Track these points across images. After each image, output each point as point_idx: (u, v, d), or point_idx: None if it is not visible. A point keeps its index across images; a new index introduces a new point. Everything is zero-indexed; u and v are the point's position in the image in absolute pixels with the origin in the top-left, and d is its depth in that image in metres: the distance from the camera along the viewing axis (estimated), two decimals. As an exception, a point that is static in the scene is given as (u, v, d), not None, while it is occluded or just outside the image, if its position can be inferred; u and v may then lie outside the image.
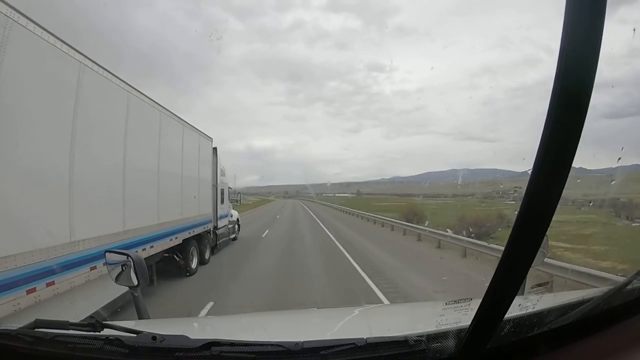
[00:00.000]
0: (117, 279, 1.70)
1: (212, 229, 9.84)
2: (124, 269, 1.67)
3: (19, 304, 3.07)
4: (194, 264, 8.08)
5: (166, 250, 6.74)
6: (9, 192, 3.05)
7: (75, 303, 3.81)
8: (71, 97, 3.88)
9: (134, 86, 5.43)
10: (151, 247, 5.95)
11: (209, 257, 9.31)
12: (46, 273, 3.39)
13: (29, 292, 3.20)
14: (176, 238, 7.08)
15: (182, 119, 7.67)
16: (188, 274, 7.69)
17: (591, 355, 0.84)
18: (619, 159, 1.90)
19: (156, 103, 6.35)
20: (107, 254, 1.79)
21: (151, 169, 6.07)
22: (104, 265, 2.40)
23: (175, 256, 7.31)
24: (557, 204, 0.59)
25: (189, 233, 7.80)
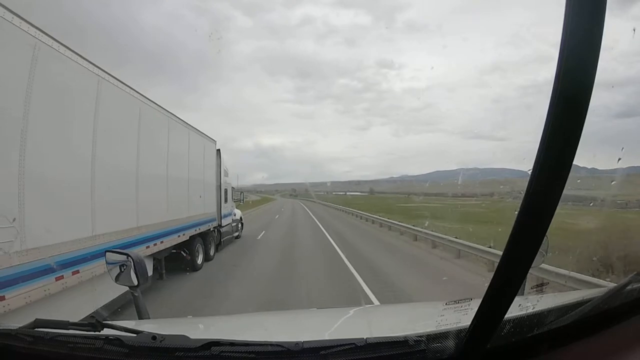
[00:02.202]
0: (117, 279, 1.70)
1: (216, 228, 10.26)
2: (123, 269, 1.67)
3: (48, 289, 3.43)
4: (199, 260, 8.49)
5: (174, 247, 7.14)
6: (51, 189, 3.56)
7: (95, 292, 4.18)
8: (92, 108, 4.33)
9: (141, 87, 5.81)
10: (161, 242, 6.39)
11: (214, 254, 9.71)
12: (72, 262, 3.80)
13: (57, 279, 3.57)
14: (183, 235, 7.50)
15: (188, 124, 8.09)
16: (194, 269, 8.10)
17: (591, 355, 0.84)
18: (619, 159, 1.89)
19: (164, 109, 6.77)
20: (107, 253, 1.79)
21: (161, 170, 6.55)
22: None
23: (182, 252, 7.70)
24: (557, 204, 0.59)
25: (195, 230, 8.23)
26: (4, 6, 3.02)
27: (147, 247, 5.89)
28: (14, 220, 3.08)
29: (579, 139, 0.55)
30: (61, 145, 3.78)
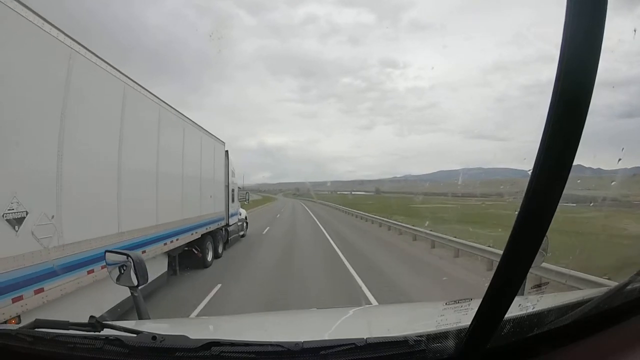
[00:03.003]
0: (117, 279, 1.69)
1: (224, 227, 10.63)
2: (123, 269, 1.67)
3: (81, 282, 3.72)
4: (209, 257, 8.88)
5: (187, 244, 7.46)
6: (84, 190, 3.89)
7: (103, 294, 4.40)
8: (118, 114, 4.69)
9: (147, 87, 5.87)
10: (177, 239, 6.73)
11: (222, 252, 10.11)
12: (102, 257, 3.75)
13: (89, 272, 3.87)
14: (196, 232, 7.87)
15: (200, 126, 8.45)
16: (205, 266, 8.49)
17: (591, 356, 0.84)
18: (619, 160, 1.89)
19: (179, 112, 7.14)
20: (107, 253, 1.78)
21: (177, 172, 6.92)
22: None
23: (194, 250, 8.03)
24: (557, 204, 0.59)
25: (206, 229, 8.61)
26: (44, 19, 3.27)
27: (165, 244, 6.19)
28: (53, 217, 3.35)
29: (579, 140, 0.55)
30: (92, 150, 4.11)
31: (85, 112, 3.91)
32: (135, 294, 1.61)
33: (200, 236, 8.13)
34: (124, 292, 4.46)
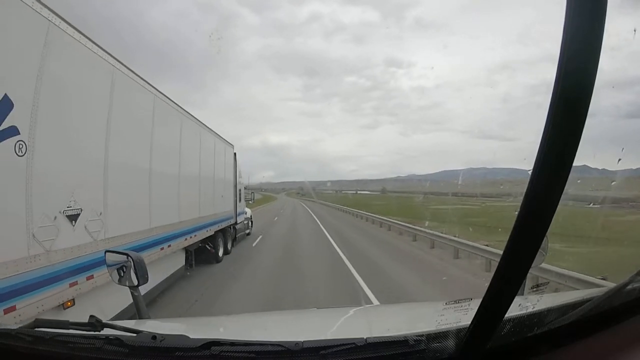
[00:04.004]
0: (117, 279, 1.69)
1: (233, 225, 11.29)
2: (123, 270, 1.67)
3: None
4: (220, 253, 9.54)
5: (201, 240, 8.03)
6: (123, 191, 4.43)
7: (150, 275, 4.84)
8: (150, 124, 5.32)
9: (155, 86, 6.27)
10: (195, 235, 7.39)
11: (231, 249, 10.78)
12: (138, 249, 4.56)
13: None
14: (210, 229, 8.51)
15: (213, 131, 9.07)
16: (217, 261, 9.16)
17: (591, 355, 0.84)
18: (619, 160, 1.88)
19: (196, 119, 7.72)
20: (107, 254, 1.78)
21: (195, 174, 7.59)
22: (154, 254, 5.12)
23: (207, 246, 8.60)
24: (557, 204, 0.59)
25: (218, 226, 9.26)
26: (91, 40, 3.72)
27: (185, 239, 6.85)
28: (100, 214, 3.87)
29: (579, 140, 0.55)
30: (129, 158, 4.71)
31: (123, 125, 4.44)
32: (136, 294, 1.61)
33: (213, 233, 8.73)
34: (157, 277, 5.08)
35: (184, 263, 7.16)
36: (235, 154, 11.56)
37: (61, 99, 3.27)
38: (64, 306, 3.27)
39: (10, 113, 2.64)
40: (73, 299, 3.33)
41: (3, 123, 2.59)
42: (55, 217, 3.17)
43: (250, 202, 15.55)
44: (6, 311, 2.61)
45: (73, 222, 3.41)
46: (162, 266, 5.83)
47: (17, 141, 2.72)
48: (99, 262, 3.51)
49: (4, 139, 2.61)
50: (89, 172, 3.78)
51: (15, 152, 2.71)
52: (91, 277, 3.58)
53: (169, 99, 6.14)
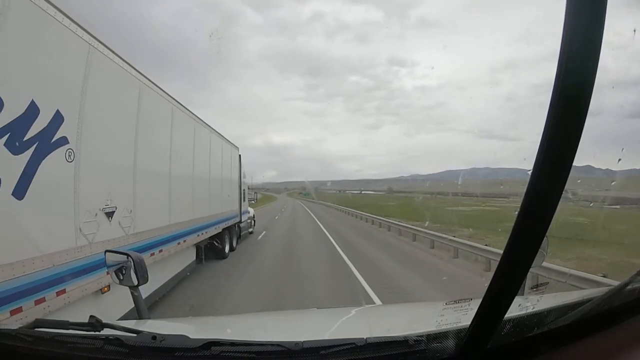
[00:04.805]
0: (117, 279, 1.69)
1: (237, 223, 11.85)
2: (124, 271, 1.66)
3: (147, 261, 4.30)
4: (227, 249, 10.17)
5: (210, 237, 8.67)
6: (149, 191, 4.99)
7: (166, 267, 5.78)
8: (169, 132, 5.93)
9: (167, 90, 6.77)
10: (206, 232, 8.07)
11: (236, 246, 11.47)
12: (160, 243, 5.37)
13: (151, 255, 5.01)
14: (218, 227, 9.17)
15: (221, 134, 9.63)
16: (223, 257, 9.74)
17: (591, 356, 0.84)
18: (619, 160, 1.88)
19: (207, 124, 8.29)
20: (107, 253, 1.77)
21: (206, 176, 8.19)
22: (159, 252, 5.36)
23: (215, 242, 9.22)
24: (557, 204, 0.59)
25: (225, 224, 9.91)
26: (122, 59, 4.25)
27: (198, 235, 7.46)
28: (131, 211, 4.40)
29: (579, 140, 0.55)
30: (154, 161, 5.33)
31: (148, 133, 5.04)
32: (136, 294, 1.61)
33: (221, 230, 9.39)
34: (175, 268, 6.05)
35: (194, 258, 7.83)
36: (240, 155, 12.15)
37: (99, 112, 3.72)
38: (102, 291, 3.67)
39: (62, 125, 3.08)
40: (109, 285, 3.67)
41: (56, 134, 3.03)
42: (96, 214, 3.66)
43: (253, 202, 16.17)
44: (58, 294, 2.99)
45: (109, 218, 3.92)
46: (179, 259, 6.57)
47: (67, 149, 3.17)
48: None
49: (58, 147, 3.06)
50: (122, 175, 4.33)
51: (66, 158, 3.17)
52: None
53: (183, 106, 6.66)
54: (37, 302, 2.74)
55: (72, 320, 1.03)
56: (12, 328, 1.03)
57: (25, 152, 2.68)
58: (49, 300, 2.85)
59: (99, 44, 3.68)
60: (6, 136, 2.49)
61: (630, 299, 0.84)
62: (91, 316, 1.01)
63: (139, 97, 4.74)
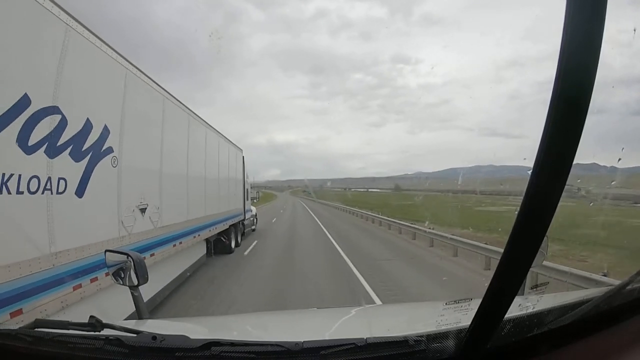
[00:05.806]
0: (117, 279, 1.68)
1: (241, 220, 12.52)
2: (124, 270, 1.66)
3: (170, 252, 5.63)
4: (232, 245, 10.87)
5: (218, 233, 9.35)
6: (171, 190, 5.73)
7: (178, 261, 6.38)
8: (186, 137, 6.68)
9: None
10: (215, 228, 8.82)
11: (240, 242, 12.13)
12: (179, 236, 6.08)
13: (174, 246, 5.76)
14: (226, 223, 9.93)
15: (227, 138, 10.35)
16: (230, 252, 10.43)
17: (591, 356, 0.84)
18: (619, 159, 1.87)
19: (216, 130, 9.00)
20: (107, 253, 1.76)
21: (215, 176, 8.92)
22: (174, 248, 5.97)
23: (222, 238, 9.85)
24: (557, 204, 0.59)
25: (232, 221, 10.66)
26: (151, 79, 5.09)
27: (209, 230, 8.20)
28: (158, 208, 5.15)
29: (579, 139, 0.55)
30: (175, 166, 6.06)
31: (170, 140, 5.75)
32: (136, 294, 1.60)
33: (228, 227, 10.11)
34: (191, 259, 7.49)
35: (205, 252, 8.59)
36: (243, 157, 12.84)
37: (135, 125, 4.39)
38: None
39: (108, 137, 3.74)
40: None
41: (105, 144, 3.68)
42: (133, 210, 4.38)
43: (255, 200, 16.93)
44: (106, 274, 3.29)
45: (143, 213, 4.65)
46: (194, 251, 7.42)
47: (112, 157, 3.83)
48: (158, 244, 5.09)
49: (106, 155, 3.71)
50: (151, 177, 5.08)
51: (112, 164, 3.84)
52: (153, 254, 4.92)
53: (195, 114, 7.32)
54: (92, 281, 3.35)
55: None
56: (12, 328, 1.03)
57: (84, 160, 3.31)
58: (100, 280, 3.42)
59: (133, 67, 4.37)
60: (70, 147, 3.10)
61: (630, 299, 0.84)
62: (91, 316, 1.01)
63: (163, 110, 5.51)
